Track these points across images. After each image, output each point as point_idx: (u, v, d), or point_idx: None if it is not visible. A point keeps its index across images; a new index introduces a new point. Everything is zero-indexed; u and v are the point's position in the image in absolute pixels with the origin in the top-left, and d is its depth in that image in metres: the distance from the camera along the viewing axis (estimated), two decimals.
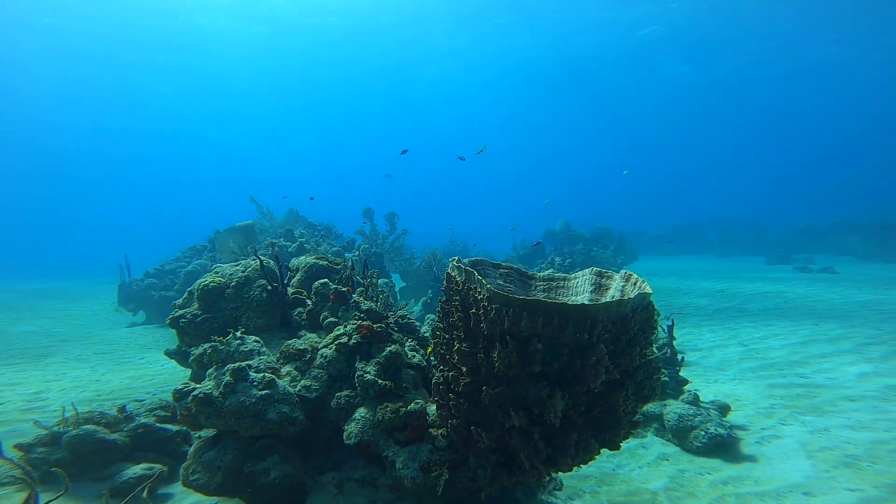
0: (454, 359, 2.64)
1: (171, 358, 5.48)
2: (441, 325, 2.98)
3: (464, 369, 2.65)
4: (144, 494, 3.17)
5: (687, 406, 4.19)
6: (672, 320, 5.37)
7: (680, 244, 30.45)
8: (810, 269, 17.08)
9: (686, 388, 4.60)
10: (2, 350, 8.60)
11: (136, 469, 3.73)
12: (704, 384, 5.60)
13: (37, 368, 7.27)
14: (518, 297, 2.28)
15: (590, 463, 3.86)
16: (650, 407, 4.52)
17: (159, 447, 4.21)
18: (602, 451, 2.76)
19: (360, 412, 3.20)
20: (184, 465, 3.10)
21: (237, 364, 3.00)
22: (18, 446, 3.86)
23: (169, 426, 4.41)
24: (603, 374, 2.17)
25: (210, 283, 4.21)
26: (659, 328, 6.52)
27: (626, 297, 2.26)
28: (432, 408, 3.21)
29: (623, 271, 2.72)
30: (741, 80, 46.41)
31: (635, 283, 2.54)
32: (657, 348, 4.95)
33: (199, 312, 4.09)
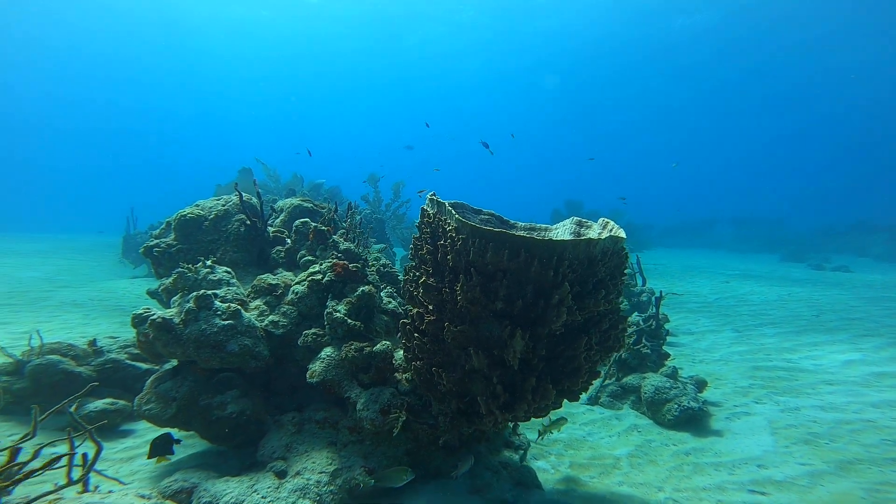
0: (420, 293, 2.62)
1: (153, 297, 5.51)
2: (412, 263, 2.95)
3: (430, 307, 2.63)
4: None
5: (664, 379, 4.19)
6: (661, 293, 5.34)
7: (691, 238, 30.28)
8: (824, 267, 16.89)
9: (668, 362, 4.60)
10: (4, 292, 8.80)
11: (99, 403, 3.68)
12: (689, 364, 5.62)
13: (31, 311, 7.38)
14: (485, 228, 2.24)
15: (562, 429, 3.93)
16: (629, 379, 4.53)
17: (128, 384, 4.17)
18: (563, 403, 2.77)
19: (327, 351, 3.20)
20: (139, 395, 3.04)
21: (202, 291, 2.98)
22: None
23: (140, 364, 4.35)
24: (564, 314, 2.14)
25: (188, 213, 4.18)
26: (653, 301, 6.46)
27: (595, 238, 2.22)
28: (400, 353, 3.22)
29: (601, 219, 2.66)
30: (771, 77, 45.71)
31: (611, 230, 2.49)
32: (643, 320, 4.93)
33: (175, 243, 4.08)
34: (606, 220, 2.62)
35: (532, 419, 3.08)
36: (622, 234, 2.38)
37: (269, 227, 4.45)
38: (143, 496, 1.91)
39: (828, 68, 41.48)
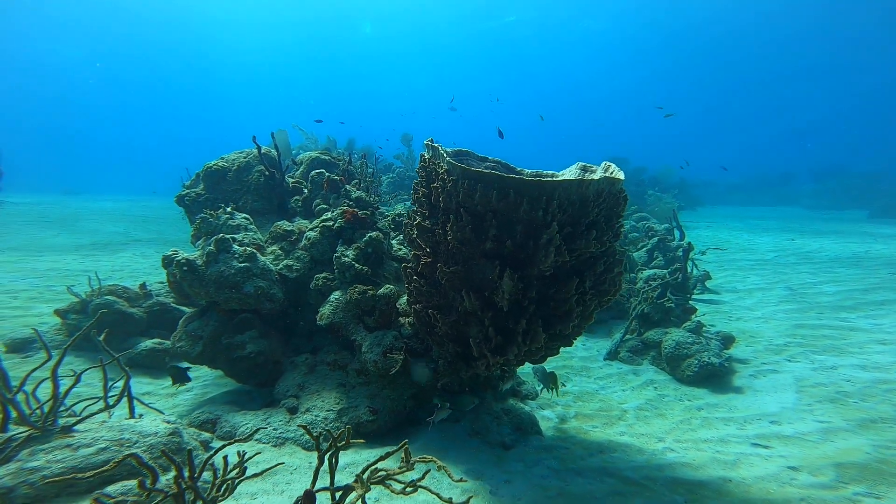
0: (415, 234, 2.69)
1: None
2: (413, 209, 3.01)
3: (427, 249, 2.70)
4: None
5: (687, 334, 4.07)
6: (688, 244, 5.08)
7: (762, 195, 27.73)
8: None
9: (698, 318, 4.45)
10: (93, 241, 10.17)
11: (148, 343, 4.11)
12: (725, 321, 5.38)
13: (109, 259, 8.39)
14: (474, 169, 2.22)
15: (574, 382, 3.91)
16: (651, 334, 4.45)
17: (174, 326, 4.77)
18: (559, 349, 2.80)
19: (335, 295, 3.39)
20: (173, 333, 3.36)
21: (221, 235, 3.21)
22: (57, 311, 4.52)
23: (185, 308, 4.89)
24: (552, 254, 2.13)
25: (214, 166, 4.44)
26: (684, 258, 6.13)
27: (588, 178, 2.14)
28: (406, 298, 3.35)
29: (604, 163, 2.55)
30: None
31: (611, 172, 2.39)
32: (669, 273, 4.75)
33: (203, 192, 4.37)
34: (609, 163, 2.51)
35: (527, 363, 3.16)
36: (620, 175, 2.29)
37: (289, 178, 4.64)
38: (169, 422, 2.20)
39: None
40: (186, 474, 1.28)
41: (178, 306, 4.88)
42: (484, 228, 2.26)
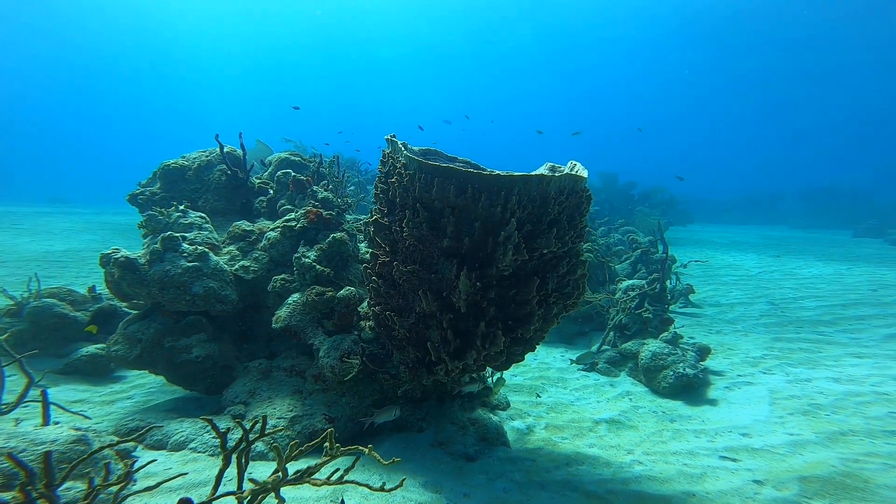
0: (371, 232, 2.64)
1: None
2: (375, 206, 2.97)
3: (386, 247, 2.65)
4: None
5: (664, 345, 4.05)
6: (666, 254, 5.13)
7: (751, 214, 28.56)
8: None
9: (678, 330, 4.45)
10: (66, 249, 9.84)
11: (91, 348, 3.93)
12: (704, 333, 5.41)
13: (76, 267, 8.13)
14: (431, 163, 2.19)
15: (549, 392, 3.86)
16: (629, 345, 4.43)
17: None
18: (523, 355, 2.75)
19: (293, 297, 3.29)
20: (111, 336, 3.20)
21: (169, 233, 3.11)
22: None
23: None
24: (511, 252, 2.09)
25: (172, 164, 4.34)
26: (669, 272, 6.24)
27: (548, 175, 2.13)
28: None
29: (571, 162, 2.55)
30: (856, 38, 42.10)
31: (576, 170, 2.39)
32: (647, 283, 4.76)
33: (159, 191, 4.26)
34: (575, 162, 2.51)
35: (495, 370, 3.10)
36: (584, 173, 2.28)
37: (256, 179, 4.57)
38: (79, 429, 2.07)
39: None
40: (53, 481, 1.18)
41: (131, 311, 4.72)
42: (442, 225, 2.22)
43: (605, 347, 4.62)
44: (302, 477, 1.26)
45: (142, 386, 3.56)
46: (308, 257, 3.30)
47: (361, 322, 3.18)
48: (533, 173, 2.11)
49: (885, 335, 5.09)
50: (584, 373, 4.55)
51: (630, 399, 3.86)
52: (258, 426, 1.28)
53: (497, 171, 2.90)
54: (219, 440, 2.52)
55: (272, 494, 1.23)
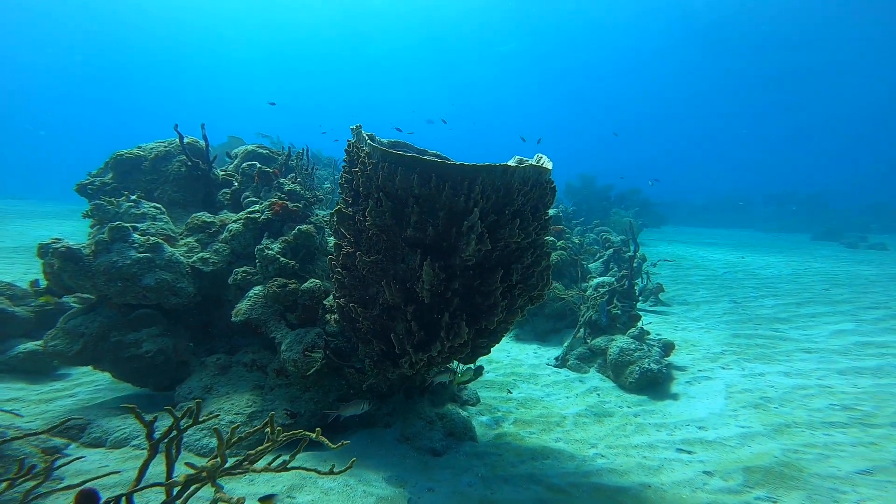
0: (334, 221, 2.60)
1: None
2: (340, 198, 2.93)
3: (350, 238, 2.61)
4: None
5: (631, 341, 4.16)
6: (634, 251, 5.27)
7: (721, 217, 29.84)
8: (858, 245, 16.50)
9: (644, 326, 4.57)
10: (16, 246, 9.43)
11: (29, 345, 3.70)
12: (671, 330, 5.58)
13: (26, 263, 7.70)
14: (395, 152, 2.17)
15: (520, 388, 3.88)
16: (598, 341, 4.51)
17: None
18: (489, 347, 2.77)
19: (255, 289, 3.20)
20: (48, 332, 3.02)
21: (118, 223, 2.96)
22: None
23: None
24: (474, 241, 2.09)
25: (125, 153, 4.16)
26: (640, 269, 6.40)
27: (513, 165, 2.15)
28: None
29: (537, 155, 2.59)
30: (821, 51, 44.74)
31: (541, 162, 2.42)
32: (616, 279, 4.87)
33: (111, 182, 4.08)
34: (541, 155, 2.55)
35: (461, 363, 3.11)
36: (548, 165, 2.31)
37: (220, 171, 4.44)
38: None
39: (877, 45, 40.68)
40: None
41: (77, 305, 4.50)
42: (405, 215, 2.21)
43: (576, 343, 4.70)
44: (241, 464, 1.22)
45: (89, 383, 3.40)
46: (272, 249, 3.23)
47: (327, 315, 3.12)
48: (497, 164, 2.12)
49: (833, 331, 5.40)
50: (555, 369, 4.62)
51: (598, 394, 3.93)
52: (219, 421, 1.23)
53: (462, 162, 2.91)
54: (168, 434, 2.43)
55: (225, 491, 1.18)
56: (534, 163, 2.53)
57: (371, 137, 2.85)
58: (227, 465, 1.19)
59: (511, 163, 2.89)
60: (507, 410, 3.72)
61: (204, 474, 1.11)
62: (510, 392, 4.10)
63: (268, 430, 1.28)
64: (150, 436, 1.17)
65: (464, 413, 3.53)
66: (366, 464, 2.61)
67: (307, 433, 1.32)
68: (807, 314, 6.30)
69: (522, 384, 4.29)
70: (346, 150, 2.62)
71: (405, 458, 2.74)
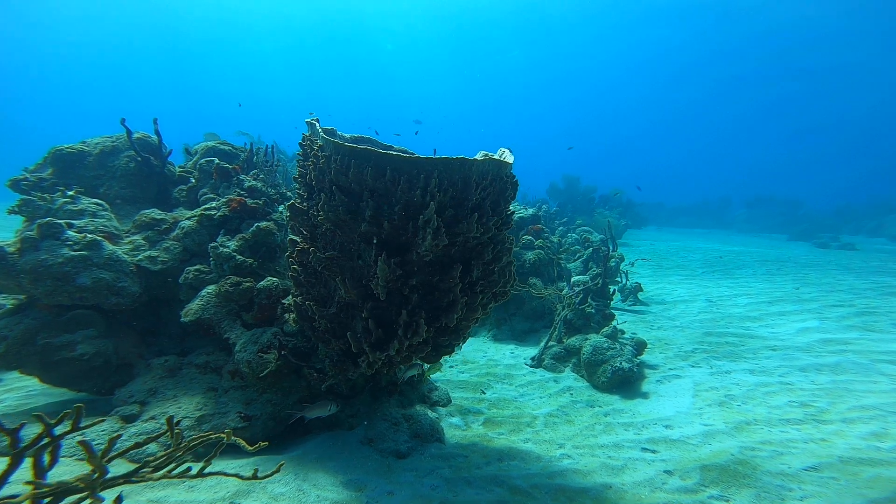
0: (288, 216, 2.52)
1: None
2: (295, 193, 2.84)
3: (305, 233, 2.54)
4: None
5: (603, 339, 4.17)
6: (609, 249, 5.32)
7: (702, 219, 30.75)
8: (829, 245, 17.08)
9: (620, 326, 4.60)
10: None
11: None
12: (647, 329, 5.64)
13: None
14: (348, 145, 2.11)
15: (494, 389, 3.85)
16: (572, 341, 4.52)
17: None
18: (453, 347, 2.72)
19: (208, 288, 3.07)
20: None
21: (48, 219, 2.78)
22: None
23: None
24: (430, 235, 2.05)
25: (66, 148, 3.94)
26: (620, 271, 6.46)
27: (471, 159, 2.11)
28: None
29: (501, 149, 2.56)
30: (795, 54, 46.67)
31: (502, 156, 2.39)
32: (590, 278, 4.90)
33: (50, 177, 3.87)
34: (504, 149, 2.52)
35: (426, 363, 3.06)
36: (509, 159, 2.28)
37: (177, 168, 4.30)
38: None
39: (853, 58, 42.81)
40: None
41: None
42: (360, 209, 2.15)
43: (551, 343, 4.69)
44: (138, 471, 1.14)
45: (20, 389, 3.23)
46: (227, 247, 3.12)
47: (286, 315, 3.03)
48: (454, 157, 2.09)
49: (799, 328, 5.56)
50: (531, 369, 4.60)
51: (570, 394, 3.93)
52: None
53: (418, 155, 2.87)
54: (106, 440, 2.32)
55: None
56: (496, 157, 2.51)
57: (332, 132, 2.78)
58: (121, 473, 1.11)
59: (478, 157, 2.86)
60: (479, 411, 3.68)
61: (80, 486, 1.02)
62: (483, 393, 4.06)
63: (179, 433, 1.21)
64: (13, 445, 1.05)
65: (433, 414, 3.48)
66: (325, 467, 2.53)
67: (220, 434, 1.24)
68: (776, 312, 6.48)
69: (497, 384, 4.27)
70: (300, 144, 2.54)
71: (367, 461, 2.67)
